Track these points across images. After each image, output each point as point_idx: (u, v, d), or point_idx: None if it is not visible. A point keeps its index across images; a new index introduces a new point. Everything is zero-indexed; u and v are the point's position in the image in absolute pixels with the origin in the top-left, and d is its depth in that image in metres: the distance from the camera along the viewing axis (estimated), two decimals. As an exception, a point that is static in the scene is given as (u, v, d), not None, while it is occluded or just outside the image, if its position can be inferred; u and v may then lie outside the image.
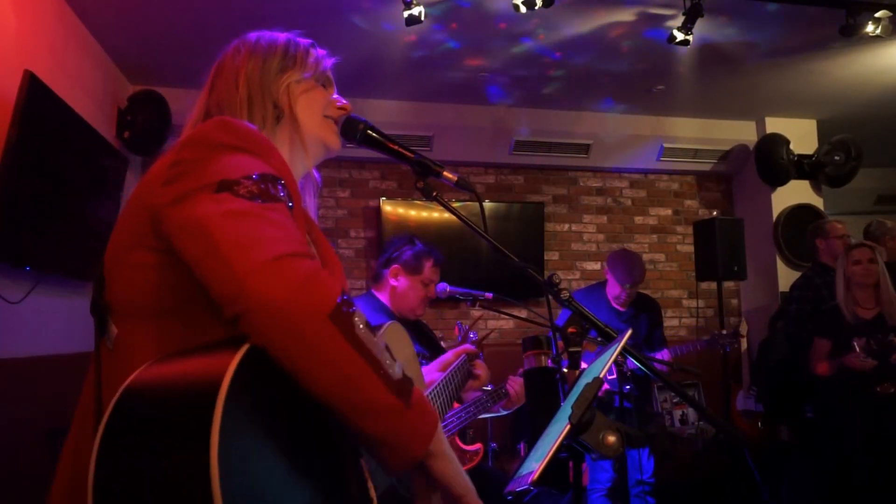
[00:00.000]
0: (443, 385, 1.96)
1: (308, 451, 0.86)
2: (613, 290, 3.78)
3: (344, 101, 1.24)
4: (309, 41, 1.22)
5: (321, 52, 1.23)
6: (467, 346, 2.24)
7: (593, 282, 5.31)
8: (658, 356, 3.62)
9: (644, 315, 3.84)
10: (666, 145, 5.43)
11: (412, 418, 0.87)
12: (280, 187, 0.93)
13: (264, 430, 0.78)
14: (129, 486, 0.71)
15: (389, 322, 1.38)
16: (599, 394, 1.00)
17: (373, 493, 0.98)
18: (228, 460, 0.69)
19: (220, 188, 0.87)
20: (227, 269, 0.80)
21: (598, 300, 3.82)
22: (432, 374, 2.09)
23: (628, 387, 3.01)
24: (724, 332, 3.85)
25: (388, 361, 0.86)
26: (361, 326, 0.85)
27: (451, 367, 2.10)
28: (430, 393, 1.89)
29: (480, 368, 2.25)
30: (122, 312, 0.96)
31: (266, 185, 0.91)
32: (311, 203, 1.23)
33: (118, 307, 0.96)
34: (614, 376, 3.16)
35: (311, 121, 1.18)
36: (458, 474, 0.96)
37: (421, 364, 1.85)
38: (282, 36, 1.20)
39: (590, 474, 3.61)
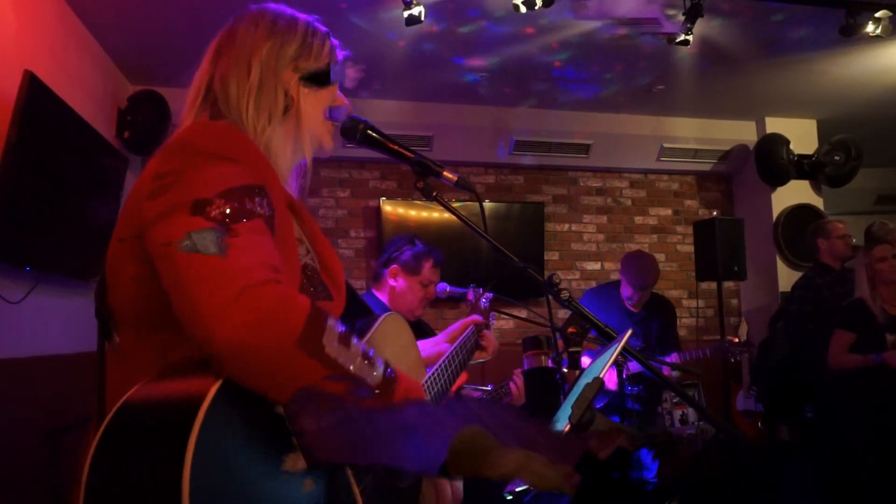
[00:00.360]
0: (450, 357, 1.92)
1: (287, 457, 0.87)
2: (626, 290, 3.75)
3: (346, 102, 1.22)
4: (325, 30, 1.17)
5: (335, 42, 1.19)
6: (475, 317, 2.20)
7: (593, 282, 5.32)
8: (667, 359, 3.60)
9: (657, 317, 3.80)
10: (666, 145, 5.42)
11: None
12: (258, 199, 0.91)
13: (244, 442, 0.82)
14: (116, 488, 0.78)
15: (386, 314, 1.38)
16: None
17: (358, 497, 0.99)
18: (203, 468, 0.74)
19: (193, 210, 0.86)
20: (194, 311, 0.81)
21: (612, 300, 3.78)
22: (440, 345, 2.06)
23: (637, 388, 2.99)
24: (736, 340, 3.81)
25: (365, 369, 0.86)
26: (334, 343, 0.84)
27: (460, 340, 2.07)
28: (438, 366, 1.86)
29: (487, 340, 2.22)
30: (122, 321, 0.97)
31: (241, 201, 0.89)
32: (294, 186, 1.19)
33: (118, 316, 0.97)
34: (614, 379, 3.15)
35: (315, 119, 1.15)
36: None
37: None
38: (301, 18, 1.15)
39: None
